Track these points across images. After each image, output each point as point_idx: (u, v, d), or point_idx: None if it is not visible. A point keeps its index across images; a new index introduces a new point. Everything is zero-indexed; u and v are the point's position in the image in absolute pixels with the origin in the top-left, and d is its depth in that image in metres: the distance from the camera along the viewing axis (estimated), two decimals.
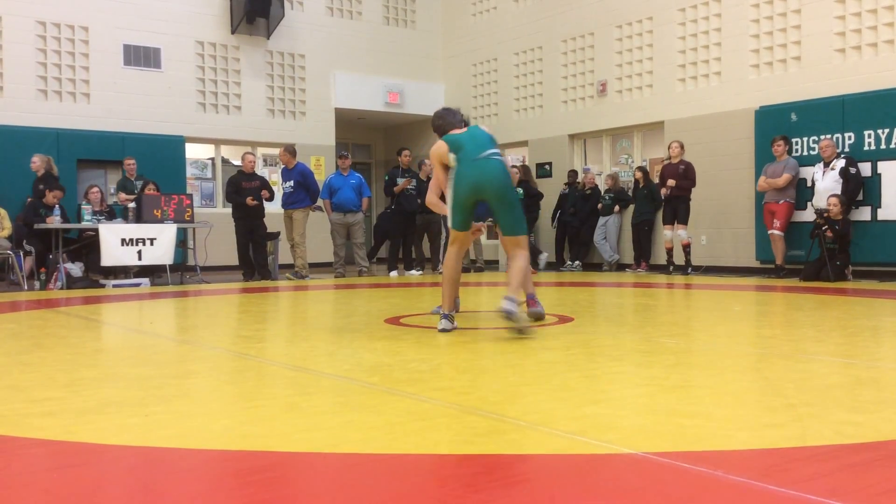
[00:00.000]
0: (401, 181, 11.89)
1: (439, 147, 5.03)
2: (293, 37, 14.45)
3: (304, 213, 11.10)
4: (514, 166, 12.42)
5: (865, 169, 9.58)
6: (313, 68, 14.68)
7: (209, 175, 14.29)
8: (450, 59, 16.02)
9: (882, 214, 9.53)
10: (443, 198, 5.38)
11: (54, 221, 9.85)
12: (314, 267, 12.85)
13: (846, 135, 9.86)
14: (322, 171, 14.30)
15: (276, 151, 13.01)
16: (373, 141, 17.84)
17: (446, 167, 5.01)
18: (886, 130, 9.49)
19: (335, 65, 14.91)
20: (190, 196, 11.02)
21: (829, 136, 9.89)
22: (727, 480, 1.97)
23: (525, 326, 4.68)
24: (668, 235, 11.15)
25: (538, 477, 2.08)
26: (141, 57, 13.00)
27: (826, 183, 9.54)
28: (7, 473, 2.17)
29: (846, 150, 9.79)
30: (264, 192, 10.99)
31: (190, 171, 13.84)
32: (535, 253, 11.86)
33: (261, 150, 14.36)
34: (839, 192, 9.34)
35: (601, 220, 12.43)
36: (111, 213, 10.76)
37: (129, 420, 2.75)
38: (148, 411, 2.88)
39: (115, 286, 9.82)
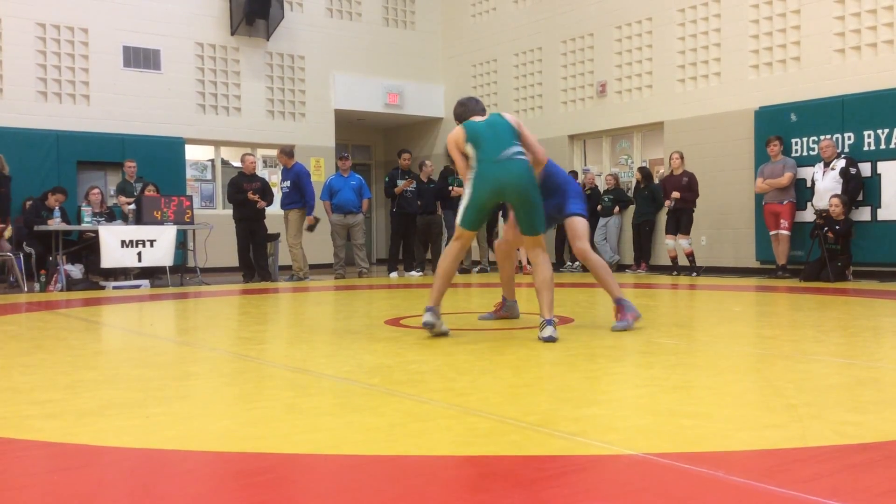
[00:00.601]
0: (401, 183, 11.90)
1: (456, 133, 4.79)
2: (293, 38, 14.46)
3: (298, 213, 11.08)
4: None
5: (865, 169, 9.59)
6: (313, 69, 14.68)
7: (209, 176, 14.29)
8: (449, 60, 16.02)
9: (882, 215, 9.53)
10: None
11: (55, 223, 9.85)
12: (314, 268, 12.85)
13: (846, 135, 9.86)
14: (322, 172, 14.30)
15: (275, 153, 13.00)
16: (372, 142, 17.85)
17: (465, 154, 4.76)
18: (886, 130, 9.49)
19: (335, 66, 14.91)
20: (190, 197, 11.02)
21: (829, 136, 9.90)
22: (728, 481, 1.97)
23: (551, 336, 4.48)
24: (670, 245, 11.17)
25: (539, 478, 2.08)
26: (140, 58, 13.00)
27: (826, 183, 9.54)
28: (7, 475, 2.17)
29: (846, 150, 9.79)
30: (260, 203, 10.90)
31: (190, 173, 13.84)
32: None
33: (260, 152, 14.37)
34: (840, 192, 9.35)
35: (601, 220, 12.43)
36: (111, 215, 10.77)
37: (129, 422, 2.74)
38: (148, 413, 2.87)
39: (115, 288, 9.82)
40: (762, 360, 3.95)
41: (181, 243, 11.05)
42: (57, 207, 10.32)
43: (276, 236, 11.37)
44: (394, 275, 11.76)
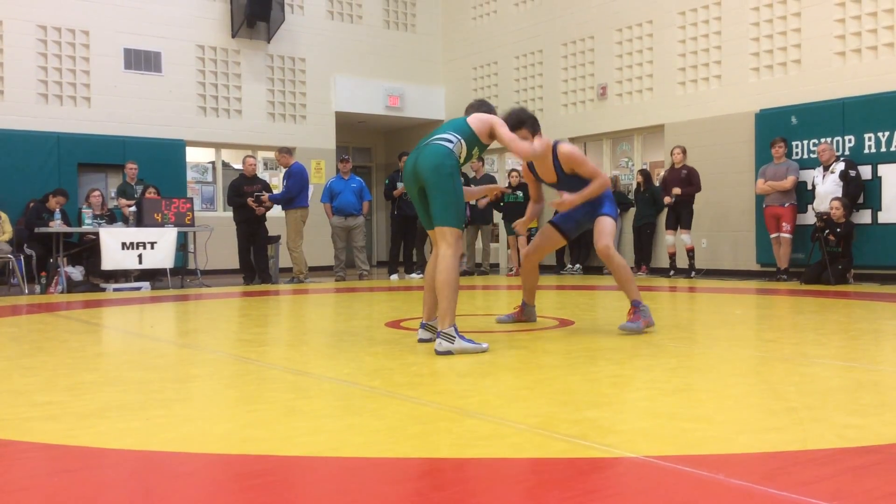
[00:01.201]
0: (401, 185, 11.89)
1: None
2: (293, 40, 14.47)
3: (295, 214, 11.05)
4: (514, 170, 12.44)
5: (866, 172, 9.59)
6: (314, 72, 14.69)
7: (210, 179, 14.30)
8: (450, 63, 16.03)
9: (882, 217, 9.53)
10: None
11: (55, 225, 9.85)
12: (314, 270, 12.86)
13: (846, 138, 9.87)
14: (322, 174, 14.31)
15: (274, 153, 13.01)
16: (373, 144, 17.86)
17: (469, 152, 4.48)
18: (886, 133, 9.49)
19: (335, 68, 14.92)
20: (190, 200, 11.03)
21: (826, 139, 9.90)
22: (728, 484, 1.97)
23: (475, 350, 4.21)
24: (670, 241, 11.16)
25: (540, 481, 2.08)
26: (142, 61, 13.02)
27: (826, 186, 9.54)
28: (8, 478, 2.17)
29: (846, 153, 9.79)
30: (259, 209, 10.91)
31: (190, 175, 13.85)
32: None
33: (261, 154, 14.37)
34: (840, 195, 9.35)
35: None
36: (112, 217, 10.77)
37: (130, 424, 2.74)
38: (149, 415, 2.87)
39: (115, 290, 9.82)
40: (763, 363, 3.95)
41: (182, 245, 11.05)
42: (58, 209, 10.33)
43: (276, 238, 11.38)
44: (394, 277, 11.76)
